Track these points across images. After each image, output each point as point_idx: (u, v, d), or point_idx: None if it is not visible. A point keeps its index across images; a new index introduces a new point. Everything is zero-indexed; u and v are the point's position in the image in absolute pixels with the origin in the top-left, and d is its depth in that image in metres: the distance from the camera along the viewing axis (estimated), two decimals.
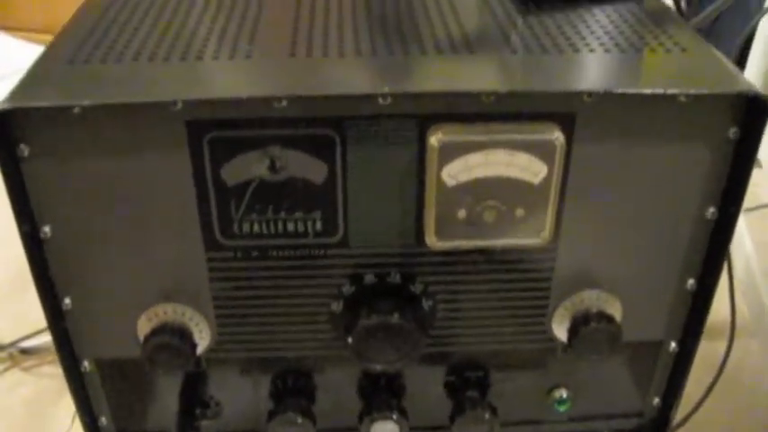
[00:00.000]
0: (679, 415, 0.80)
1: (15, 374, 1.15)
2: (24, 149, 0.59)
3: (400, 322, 0.64)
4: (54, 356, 1.15)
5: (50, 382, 1.14)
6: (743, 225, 1.19)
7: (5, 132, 0.58)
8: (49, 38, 0.68)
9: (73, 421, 0.98)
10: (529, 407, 0.76)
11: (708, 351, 0.85)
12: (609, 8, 0.73)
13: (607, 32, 0.68)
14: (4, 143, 0.58)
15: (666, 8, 0.74)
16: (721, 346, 0.97)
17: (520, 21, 0.71)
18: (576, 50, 0.65)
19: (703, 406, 0.97)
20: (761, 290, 1.12)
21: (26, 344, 1.16)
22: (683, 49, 0.65)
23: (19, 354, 1.17)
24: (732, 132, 0.61)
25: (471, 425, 0.72)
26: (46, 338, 1.15)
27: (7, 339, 1.17)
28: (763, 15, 1.10)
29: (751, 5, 1.35)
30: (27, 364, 1.17)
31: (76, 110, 0.57)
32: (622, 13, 0.72)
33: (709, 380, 0.96)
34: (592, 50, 0.65)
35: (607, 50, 0.65)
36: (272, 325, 0.69)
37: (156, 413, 0.75)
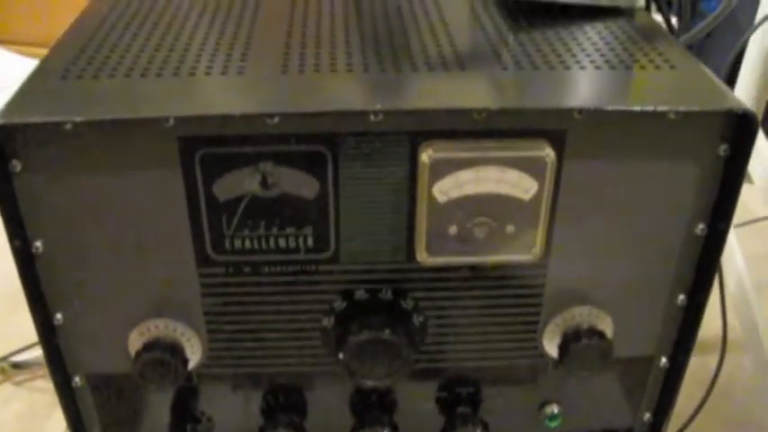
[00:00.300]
0: (670, 430, 0.80)
1: (7, 389, 1.15)
2: (16, 165, 0.59)
3: (391, 338, 0.64)
4: (46, 371, 1.15)
5: (42, 396, 1.14)
6: (734, 240, 1.19)
7: None
8: (44, 51, 0.68)
9: None
10: (520, 423, 0.76)
11: (699, 366, 0.86)
12: (599, 25, 0.73)
13: (597, 49, 0.68)
14: None
15: (657, 25, 0.75)
16: (713, 361, 0.97)
17: (511, 37, 0.71)
18: (567, 67, 0.65)
19: (695, 421, 0.97)
20: (752, 305, 1.12)
21: (18, 358, 1.16)
22: (673, 66, 0.66)
23: (11, 368, 1.17)
24: (722, 149, 0.62)
25: None
26: (38, 353, 1.15)
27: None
28: (753, 32, 1.10)
29: (741, 22, 1.36)
30: (19, 378, 1.17)
31: (68, 126, 0.57)
32: (613, 30, 0.72)
33: (701, 395, 0.97)
34: (582, 67, 0.65)
35: (597, 67, 0.65)
36: (264, 340, 0.69)
37: (148, 428, 0.75)
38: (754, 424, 1.13)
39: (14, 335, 1.16)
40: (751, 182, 1.25)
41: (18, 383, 1.15)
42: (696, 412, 0.97)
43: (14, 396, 1.14)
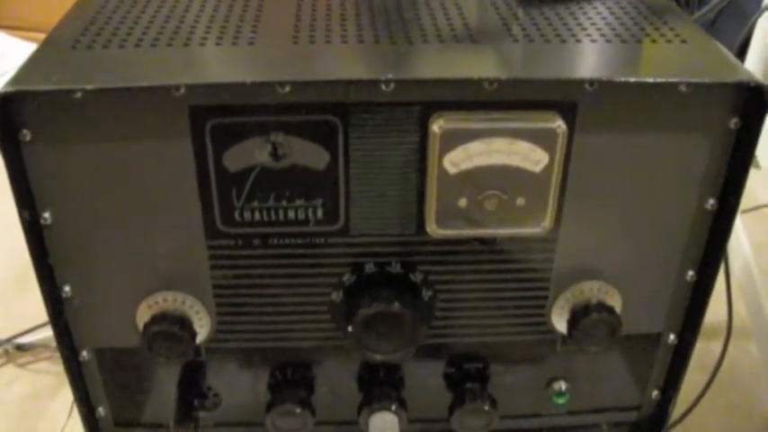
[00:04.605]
0: (675, 414, 0.80)
1: (11, 371, 1.15)
2: (26, 134, 0.59)
3: (400, 311, 0.64)
4: (50, 353, 1.15)
5: (46, 378, 1.13)
6: (740, 226, 1.19)
7: (7, 117, 0.58)
8: None
9: (69, 417, 0.97)
10: (528, 399, 0.76)
11: (704, 352, 0.86)
12: (610, 0, 0.73)
13: (608, 23, 0.68)
14: (5, 128, 0.58)
15: (667, 1, 0.75)
16: (717, 348, 0.97)
17: (521, 11, 0.71)
18: (578, 41, 0.65)
19: (699, 406, 0.97)
20: (759, 290, 1.12)
21: (22, 340, 1.16)
22: (684, 41, 0.65)
23: (15, 350, 1.16)
24: (733, 123, 0.61)
25: (470, 416, 0.72)
26: (42, 335, 1.15)
27: (3, 335, 1.16)
28: (759, 16, 1.10)
29: (748, 8, 1.36)
30: (22, 360, 1.16)
31: (78, 94, 0.57)
32: (623, 5, 0.72)
33: (705, 381, 0.96)
34: (593, 41, 0.65)
35: (608, 41, 0.65)
36: (272, 314, 0.69)
37: (154, 404, 0.75)
38: (760, 409, 1.13)
39: (19, 317, 1.16)
40: (758, 167, 1.24)
41: (22, 365, 1.15)
42: (700, 396, 0.97)
43: (18, 378, 1.13)
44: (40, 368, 1.15)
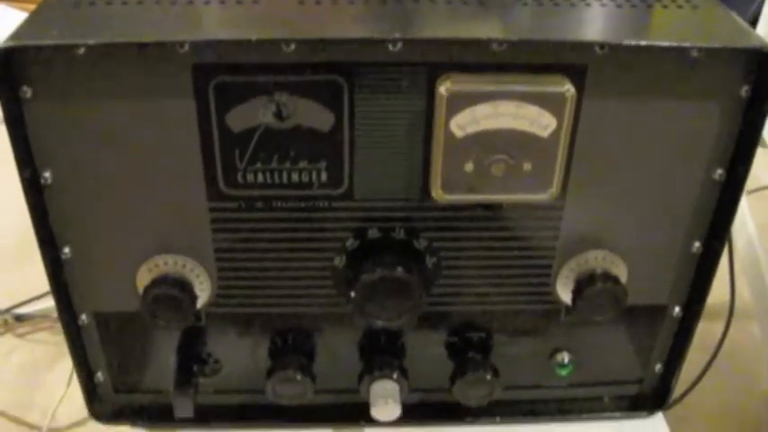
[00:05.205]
0: (675, 393, 0.79)
1: (10, 341, 1.15)
2: (27, 91, 0.58)
3: (403, 276, 0.64)
4: (49, 323, 1.14)
5: (45, 348, 1.13)
6: (745, 206, 1.18)
7: (8, 73, 0.57)
8: None
9: (68, 385, 0.97)
10: (530, 370, 0.75)
11: (706, 332, 0.85)
12: None
13: None
14: (6, 84, 0.57)
15: None
16: (719, 329, 0.96)
17: None
18: (588, 4, 0.64)
19: (700, 385, 0.97)
20: (763, 271, 1.11)
21: (21, 311, 1.16)
22: (695, 6, 0.64)
23: (14, 320, 1.16)
24: (744, 90, 0.61)
25: (472, 386, 0.71)
26: (41, 305, 1.14)
27: (2, 306, 1.16)
28: None
29: None
30: (21, 330, 1.16)
31: (81, 50, 0.56)
32: None
33: (707, 360, 0.96)
34: (603, 5, 0.64)
35: (618, 5, 0.64)
36: (274, 279, 0.68)
37: (154, 370, 0.74)
38: (760, 390, 1.13)
39: (17, 288, 1.15)
40: (764, 146, 1.23)
41: (21, 335, 1.14)
42: (701, 375, 0.97)
43: (17, 348, 1.13)
44: (38, 338, 1.14)
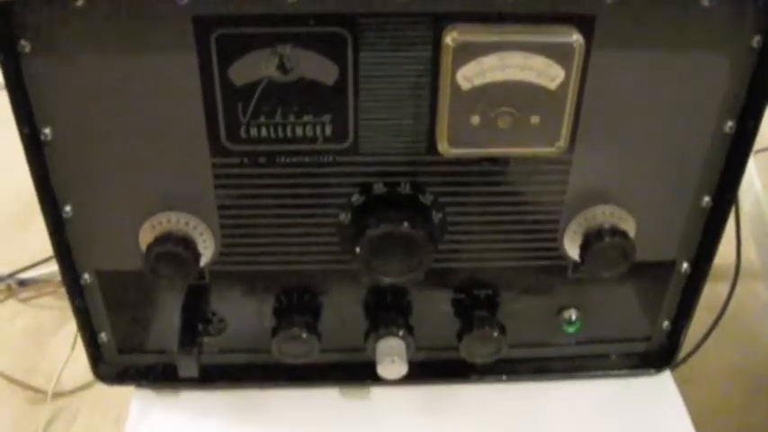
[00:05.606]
0: (681, 354, 0.79)
1: (13, 306, 1.15)
2: (25, 45, 0.57)
3: (409, 232, 0.63)
4: (52, 288, 1.14)
5: (49, 313, 1.13)
6: (752, 167, 1.17)
7: (5, 27, 0.56)
8: None
9: (72, 349, 0.97)
10: (537, 328, 0.75)
11: (711, 293, 0.84)
12: None
13: None
14: (4, 39, 0.56)
15: None
16: (725, 290, 0.96)
17: None
18: None
19: (705, 346, 0.96)
20: None
21: (24, 275, 1.15)
22: None
23: (17, 285, 1.16)
24: (755, 41, 0.59)
25: (479, 343, 0.71)
26: (44, 270, 1.14)
27: (5, 271, 1.15)
28: None
29: None
30: (24, 295, 1.16)
31: (79, 2, 0.55)
32: None
33: (712, 320, 0.95)
34: None
35: None
36: (278, 236, 0.67)
37: (158, 330, 0.74)
38: (766, 351, 1.12)
39: (20, 253, 1.15)
40: None
41: (24, 300, 1.14)
42: (707, 335, 0.96)
43: (21, 313, 1.13)
44: (42, 303, 1.14)
